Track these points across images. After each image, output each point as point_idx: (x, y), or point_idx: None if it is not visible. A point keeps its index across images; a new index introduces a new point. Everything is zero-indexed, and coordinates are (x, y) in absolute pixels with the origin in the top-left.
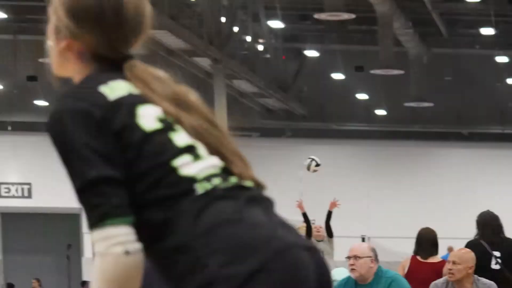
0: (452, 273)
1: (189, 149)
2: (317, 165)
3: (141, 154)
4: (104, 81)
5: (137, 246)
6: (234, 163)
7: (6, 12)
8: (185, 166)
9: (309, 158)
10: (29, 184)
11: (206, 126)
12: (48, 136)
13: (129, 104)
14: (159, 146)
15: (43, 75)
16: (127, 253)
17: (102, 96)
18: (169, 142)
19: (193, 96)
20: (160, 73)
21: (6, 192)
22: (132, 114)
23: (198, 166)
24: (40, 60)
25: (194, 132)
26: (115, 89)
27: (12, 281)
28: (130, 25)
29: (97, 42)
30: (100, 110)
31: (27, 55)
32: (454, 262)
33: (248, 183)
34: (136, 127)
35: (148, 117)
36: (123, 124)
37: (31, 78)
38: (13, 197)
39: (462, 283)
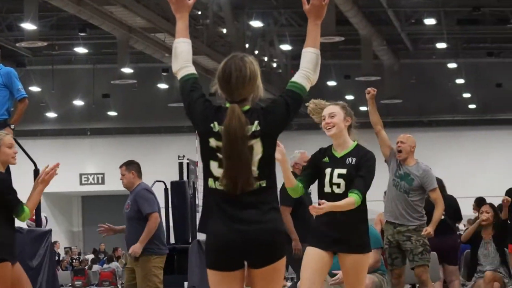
0: (400, 148)
1: None
2: None
3: None
4: None
5: None
6: None
7: (87, 48)
8: None
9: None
10: (102, 173)
11: None
12: None
13: None
14: None
15: (114, 93)
16: None
17: None
18: None
19: None
20: None
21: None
22: None
23: None
24: (112, 82)
25: None
26: None
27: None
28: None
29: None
30: None
31: (102, 79)
32: (401, 142)
33: None
34: None
35: None
36: None
37: (105, 96)
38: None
39: (408, 159)
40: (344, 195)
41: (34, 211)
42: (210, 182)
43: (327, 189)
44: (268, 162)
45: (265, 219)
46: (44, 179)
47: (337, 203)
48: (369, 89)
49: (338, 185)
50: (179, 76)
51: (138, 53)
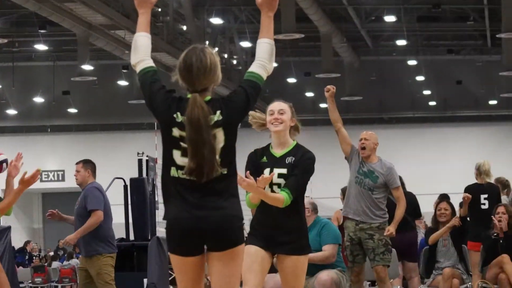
0: (364, 145)
1: None
2: None
3: None
4: None
5: None
6: None
7: (47, 45)
8: None
9: None
10: (63, 170)
11: None
12: None
13: None
14: None
15: (75, 90)
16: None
17: None
18: None
19: None
20: None
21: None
22: None
23: None
24: (72, 79)
25: None
26: None
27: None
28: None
29: None
30: None
31: (63, 76)
32: (365, 139)
33: None
34: None
35: None
36: None
37: (65, 93)
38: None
39: (371, 156)
40: None
41: (5, 210)
42: (173, 171)
43: (266, 189)
44: (229, 151)
45: (226, 206)
46: (24, 180)
47: (266, 193)
48: (328, 87)
49: (279, 185)
50: (138, 69)
51: (98, 50)
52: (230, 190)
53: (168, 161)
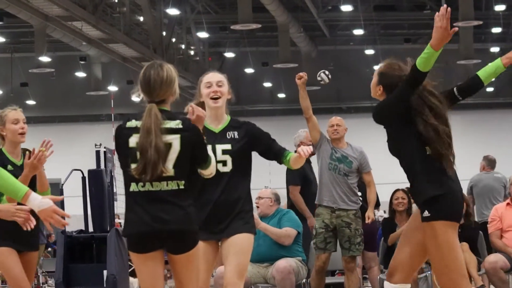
0: (337, 131)
1: None
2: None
3: None
4: None
5: None
6: None
7: (4, 37)
8: None
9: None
10: None
11: None
12: None
13: None
14: None
15: (32, 82)
16: None
17: None
18: None
19: None
20: None
21: None
22: None
23: None
24: (30, 71)
25: None
26: None
27: None
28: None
29: None
30: None
31: (20, 68)
32: (337, 124)
33: None
34: None
35: None
36: None
37: (23, 84)
38: None
39: (342, 142)
40: (232, 173)
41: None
42: (133, 186)
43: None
44: (186, 163)
45: (183, 219)
46: (27, 163)
47: (292, 164)
48: (300, 74)
49: (224, 163)
50: None
51: (56, 42)
52: (187, 203)
53: (127, 179)
